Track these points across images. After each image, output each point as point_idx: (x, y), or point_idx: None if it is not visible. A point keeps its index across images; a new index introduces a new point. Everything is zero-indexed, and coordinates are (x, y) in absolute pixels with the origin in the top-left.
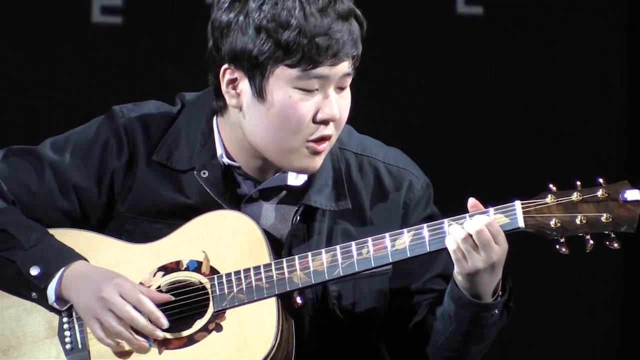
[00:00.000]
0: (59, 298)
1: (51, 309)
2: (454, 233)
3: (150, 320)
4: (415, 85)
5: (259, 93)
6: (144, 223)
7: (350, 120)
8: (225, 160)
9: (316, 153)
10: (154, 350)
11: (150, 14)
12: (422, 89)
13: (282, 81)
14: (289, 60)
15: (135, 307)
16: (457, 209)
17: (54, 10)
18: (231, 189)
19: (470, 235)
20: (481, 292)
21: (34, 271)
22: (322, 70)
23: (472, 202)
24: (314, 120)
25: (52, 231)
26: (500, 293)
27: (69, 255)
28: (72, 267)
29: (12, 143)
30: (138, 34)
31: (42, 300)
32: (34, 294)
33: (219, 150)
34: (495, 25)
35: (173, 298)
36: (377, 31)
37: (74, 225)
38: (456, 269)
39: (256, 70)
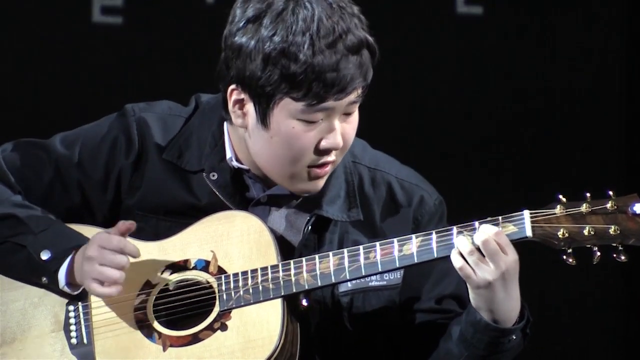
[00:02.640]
0: (70, 282)
1: (62, 294)
2: (460, 247)
3: (123, 252)
4: (415, 85)
5: (263, 120)
6: (153, 220)
7: None
8: (235, 163)
9: (318, 177)
10: (159, 347)
11: (150, 14)
12: (422, 89)
13: (286, 112)
14: (294, 93)
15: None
16: (456, 212)
17: (54, 10)
18: (240, 192)
19: (477, 248)
20: (499, 315)
21: (45, 255)
22: (328, 104)
23: None
24: (317, 148)
25: None
26: (518, 319)
27: (78, 239)
28: (82, 249)
29: None
30: (138, 34)
31: (53, 285)
32: (44, 278)
33: (229, 153)
34: (495, 25)
35: (134, 225)
36: (377, 31)
37: (80, 222)
38: (469, 289)
39: (262, 98)
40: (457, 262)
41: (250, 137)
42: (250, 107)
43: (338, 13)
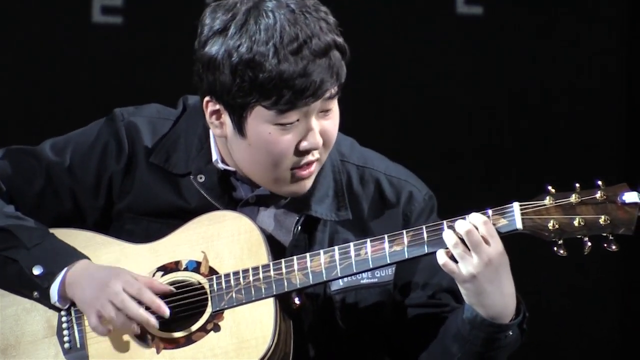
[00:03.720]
0: (62, 297)
1: (51, 307)
2: (446, 240)
3: (151, 310)
4: (415, 85)
5: (239, 130)
6: (144, 223)
7: (350, 121)
8: (221, 165)
9: (302, 179)
10: (152, 349)
11: (150, 14)
12: (422, 89)
13: (260, 119)
14: (265, 102)
15: (136, 298)
16: (456, 211)
17: (54, 10)
18: (228, 193)
19: (462, 240)
20: (493, 311)
21: (37, 271)
22: (300, 107)
23: None
24: (297, 149)
25: (52, 231)
26: (514, 316)
27: (72, 255)
28: (76, 267)
29: (12, 143)
30: (138, 34)
31: (44, 300)
32: (35, 293)
33: (215, 156)
34: (495, 25)
35: (174, 290)
36: (377, 31)
37: (72, 226)
38: (458, 285)
39: (235, 108)
40: (440, 258)
41: (231, 145)
42: (226, 117)
43: (302, 19)
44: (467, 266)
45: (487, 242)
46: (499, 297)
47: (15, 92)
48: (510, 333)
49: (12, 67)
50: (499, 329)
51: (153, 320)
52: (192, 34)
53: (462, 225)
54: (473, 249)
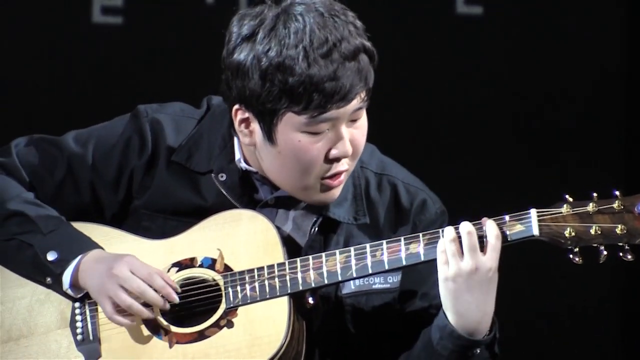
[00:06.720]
0: (74, 285)
1: (65, 295)
2: (445, 233)
3: (161, 296)
4: (415, 85)
5: (269, 137)
6: (161, 220)
7: None
8: (243, 165)
9: (332, 188)
10: (165, 344)
11: (150, 14)
12: (422, 90)
13: (290, 126)
14: (295, 107)
15: (146, 283)
16: (456, 213)
17: (54, 10)
18: (248, 193)
19: (458, 238)
20: (466, 323)
21: (51, 256)
22: (331, 114)
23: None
24: (327, 158)
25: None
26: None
27: (87, 243)
28: (89, 255)
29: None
30: (138, 34)
31: (56, 286)
32: (48, 279)
33: (237, 155)
34: (495, 25)
35: (179, 289)
36: (376, 31)
37: (89, 219)
38: (439, 283)
39: (265, 115)
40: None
41: (260, 153)
42: (255, 125)
43: (331, 22)
44: (454, 265)
45: (484, 251)
46: (474, 310)
47: (15, 92)
48: (478, 351)
49: (12, 67)
50: (466, 342)
51: (168, 305)
52: (192, 34)
53: (466, 226)
54: (467, 251)
